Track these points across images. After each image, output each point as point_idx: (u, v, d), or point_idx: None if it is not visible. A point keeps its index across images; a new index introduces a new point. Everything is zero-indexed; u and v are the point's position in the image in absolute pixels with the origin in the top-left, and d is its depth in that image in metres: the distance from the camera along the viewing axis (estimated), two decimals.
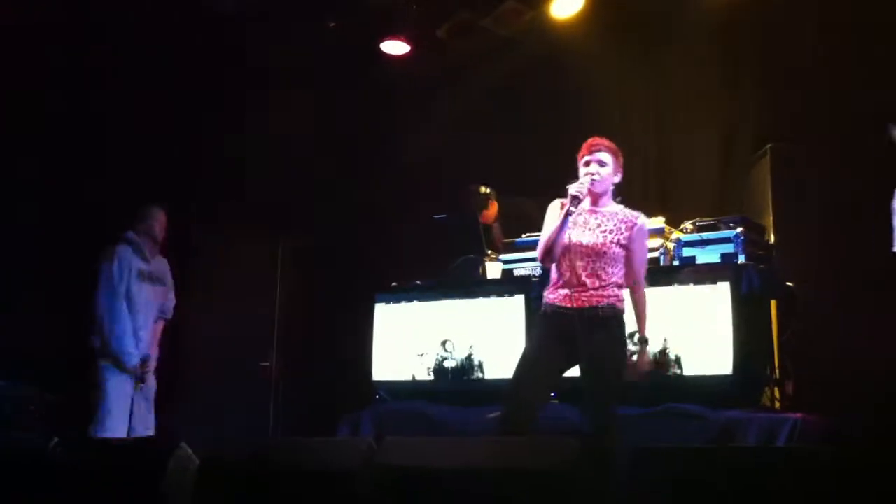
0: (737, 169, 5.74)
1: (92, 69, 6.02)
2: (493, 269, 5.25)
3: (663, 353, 4.18)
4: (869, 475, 1.97)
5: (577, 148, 3.75)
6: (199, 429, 4.92)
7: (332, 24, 6.41)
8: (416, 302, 5.14)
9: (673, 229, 4.72)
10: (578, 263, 3.55)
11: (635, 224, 3.61)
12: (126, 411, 4.83)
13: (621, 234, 3.58)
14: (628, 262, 3.60)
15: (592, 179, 3.59)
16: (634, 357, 3.60)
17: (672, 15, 6.00)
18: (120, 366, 4.83)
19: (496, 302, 4.86)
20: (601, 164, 3.63)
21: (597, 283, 3.53)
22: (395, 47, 6.52)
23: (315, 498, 2.51)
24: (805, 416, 3.88)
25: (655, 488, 2.12)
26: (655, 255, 4.54)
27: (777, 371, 4.39)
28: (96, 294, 4.92)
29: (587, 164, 3.65)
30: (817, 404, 4.14)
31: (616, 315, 3.54)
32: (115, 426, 4.73)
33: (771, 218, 4.92)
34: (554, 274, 3.65)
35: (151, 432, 4.93)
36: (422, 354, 4.96)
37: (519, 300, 4.75)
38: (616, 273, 3.56)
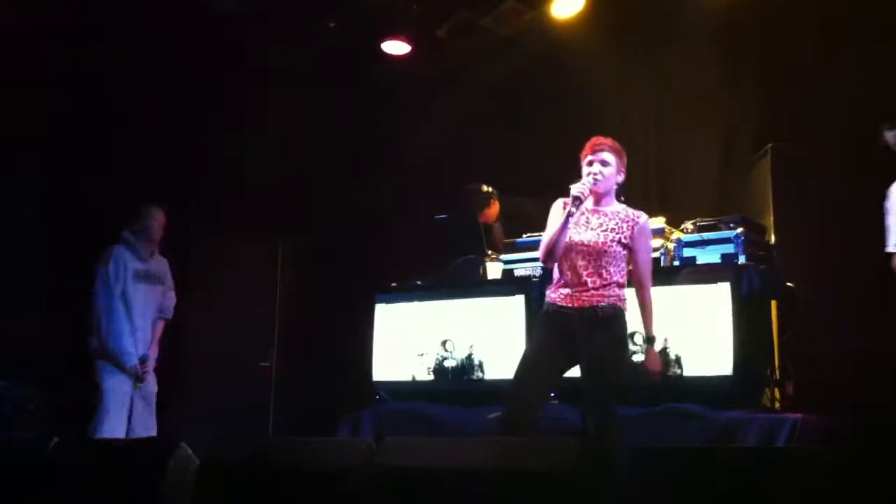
0: (737, 169, 5.73)
1: (92, 69, 6.02)
2: (494, 270, 5.25)
3: (663, 353, 4.18)
4: (869, 475, 1.97)
5: (577, 148, 3.75)
6: (199, 429, 4.92)
7: (332, 24, 6.40)
8: (416, 302, 5.14)
9: (673, 229, 4.72)
10: (580, 263, 3.54)
11: (637, 223, 3.61)
12: (124, 412, 4.82)
13: (623, 232, 3.58)
14: (633, 262, 3.60)
15: (595, 179, 3.58)
16: (637, 357, 3.60)
17: (672, 15, 6.00)
18: (119, 366, 4.83)
19: (496, 302, 4.86)
20: (604, 163, 3.63)
21: (598, 283, 3.52)
22: (395, 47, 6.52)
23: (315, 498, 2.51)
24: (805, 417, 3.88)
25: (655, 488, 2.12)
26: (656, 255, 4.53)
27: (777, 371, 4.38)
28: (93, 295, 4.92)
29: (590, 163, 3.64)
30: (817, 405, 4.14)
31: (617, 315, 3.53)
32: (114, 427, 4.73)
33: (771, 218, 4.91)
34: (556, 273, 3.65)
35: (152, 433, 4.92)
36: (422, 354, 4.96)
37: (519, 300, 4.75)
38: (617, 272, 3.56)
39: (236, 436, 5.30)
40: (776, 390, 4.37)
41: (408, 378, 5.00)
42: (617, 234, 3.57)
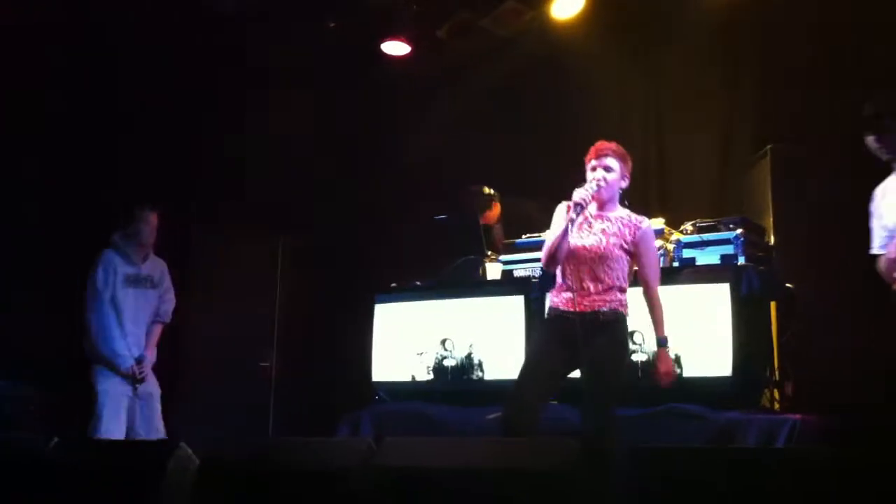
0: (736, 169, 5.73)
1: (92, 69, 6.02)
2: (493, 270, 5.25)
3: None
4: (868, 476, 1.97)
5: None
6: (199, 429, 4.92)
7: (332, 25, 6.40)
8: (415, 302, 5.14)
9: (673, 230, 4.72)
10: (581, 267, 3.56)
11: (639, 228, 3.62)
12: (121, 414, 4.78)
13: (625, 237, 3.59)
14: (638, 266, 3.62)
15: (598, 186, 3.59)
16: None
17: (672, 15, 6.00)
18: (114, 369, 4.81)
19: (496, 302, 4.86)
20: (608, 169, 3.63)
21: (599, 288, 3.53)
22: (395, 48, 6.52)
23: (314, 498, 2.51)
24: (804, 418, 3.88)
25: (655, 488, 2.12)
26: None
27: (776, 372, 4.39)
28: (84, 300, 4.90)
29: (594, 168, 3.64)
30: (816, 405, 4.14)
31: (618, 319, 3.55)
32: (109, 429, 4.69)
33: (771, 219, 4.91)
34: (558, 278, 3.66)
35: (160, 435, 4.88)
36: (421, 353, 4.96)
37: (519, 301, 4.75)
38: (619, 277, 3.57)
39: (236, 436, 5.30)
40: (775, 391, 4.37)
41: (407, 378, 5.00)
42: (619, 238, 3.58)
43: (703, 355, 4.16)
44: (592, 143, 3.76)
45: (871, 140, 3.49)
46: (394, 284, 5.43)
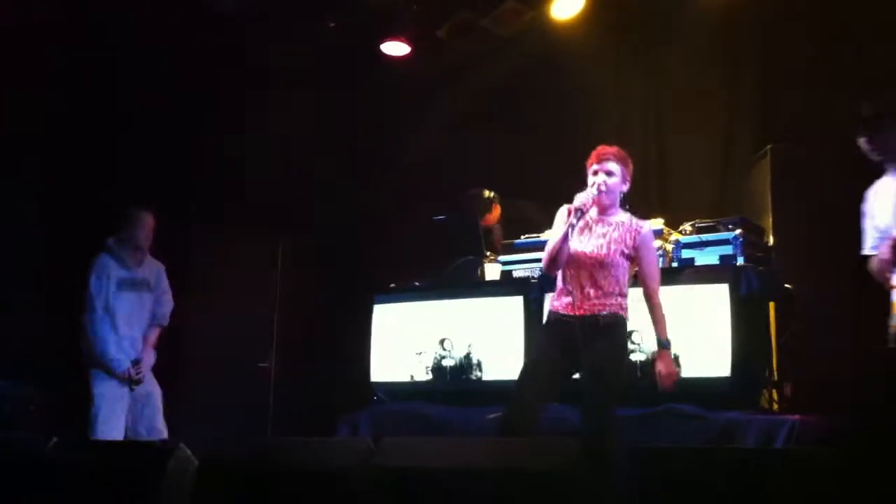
0: (736, 170, 5.74)
1: (92, 69, 6.02)
2: (492, 271, 5.25)
3: None
4: (867, 476, 1.97)
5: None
6: (199, 429, 4.92)
7: (332, 25, 6.40)
8: (414, 303, 5.14)
9: (672, 231, 4.72)
10: (582, 273, 3.57)
11: (640, 232, 3.63)
12: (118, 416, 4.77)
13: (626, 243, 3.60)
14: (639, 270, 3.63)
15: (599, 190, 3.60)
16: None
17: (672, 15, 6.00)
18: (109, 373, 4.81)
19: (495, 303, 4.86)
20: (609, 174, 3.63)
21: (599, 293, 3.55)
22: (394, 48, 6.52)
23: (314, 498, 2.51)
24: (803, 418, 3.88)
25: (655, 488, 2.13)
26: None
27: (775, 372, 4.39)
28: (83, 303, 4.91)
29: (595, 173, 3.65)
30: (815, 406, 4.15)
31: (618, 322, 3.56)
32: (106, 431, 4.69)
33: (770, 219, 4.91)
34: (559, 282, 3.67)
35: (162, 435, 4.85)
36: (420, 353, 4.96)
37: (517, 301, 4.75)
38: (620, 283, 3.58)
39: (235, 436, 5.29)
40: (774, 391, 4.37)
41: (406, 379, 5.00)
42: (620, 244, 3.59)
43: (702, 356, 4.16)
44: (592, 143, 3.77)
45: (862, 141, 3.50)
46: (393, 285, 5.43)
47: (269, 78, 6.38)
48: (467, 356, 4.84)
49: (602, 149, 3.67)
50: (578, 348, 3.50)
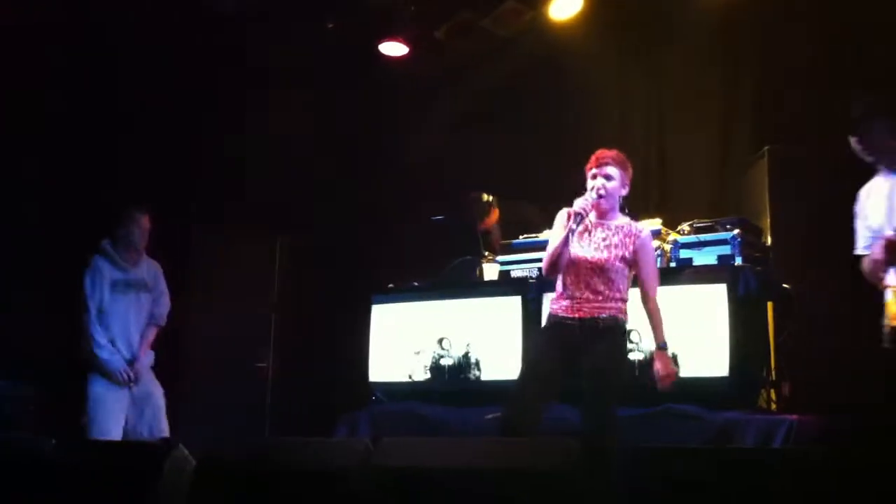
0: (734, 170, 5.74)
1: (92, 69, 6.02)
2: (491, 271, 5.25)
3: None
4: (865, 476, 1.98)
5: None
6: (198, 429, 4.92)
7: (331, 25, 6.41)
8: (412, 303, 5.14)
9: (670, 231, 4.72)
10: (582, 277, 3.59)
11: (639, 237, 3.64)
12: (116, 417, 4.76)
13: (626, 248, 3.61)
14: (638, 274, 3.64)
15: (598, 195, 3.60)
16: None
17: (672, 14, 6.00)
18: (106, 374, 4.81)
19: (493, 303, 4.86)
20: (608, 178, 3.64)
21: (599, 298, 3.57)
22: (394, 48, 6.52)
23: (312, 498, 2.51)
24: (801, 418, 3.89)
25: (654, 488, 2.13)
26: None
27: (773, 372, 4.39)
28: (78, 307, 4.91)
29: (594, 177, 3.65)
30: (813, 406, 4.15)
31: (618, 324, 3.58)
32: (103, 431, 4.69)
33: (768, 220, 4.92)
34: (559, 285, 3.68)
35: (164, 434, 4.84)
36: (418, 352, 4.97)
37: (516, 301, 4.75)
38: (619, 288, 3.60)
39: (234, 436, 5.30)
40: (772, 391, 4.37)
41: (404, 378, 5.01)
42: (620, 250, 3.60)
43: (701, 356, 4.16)
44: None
45: (853, 141, 3.51)
46: (391, 285, 5.43)
47: (269, 78, 6.37)
48: (465, 356, 4.84)
49: (601, 153, 3.68)
50: (578, 350, 3.52)
